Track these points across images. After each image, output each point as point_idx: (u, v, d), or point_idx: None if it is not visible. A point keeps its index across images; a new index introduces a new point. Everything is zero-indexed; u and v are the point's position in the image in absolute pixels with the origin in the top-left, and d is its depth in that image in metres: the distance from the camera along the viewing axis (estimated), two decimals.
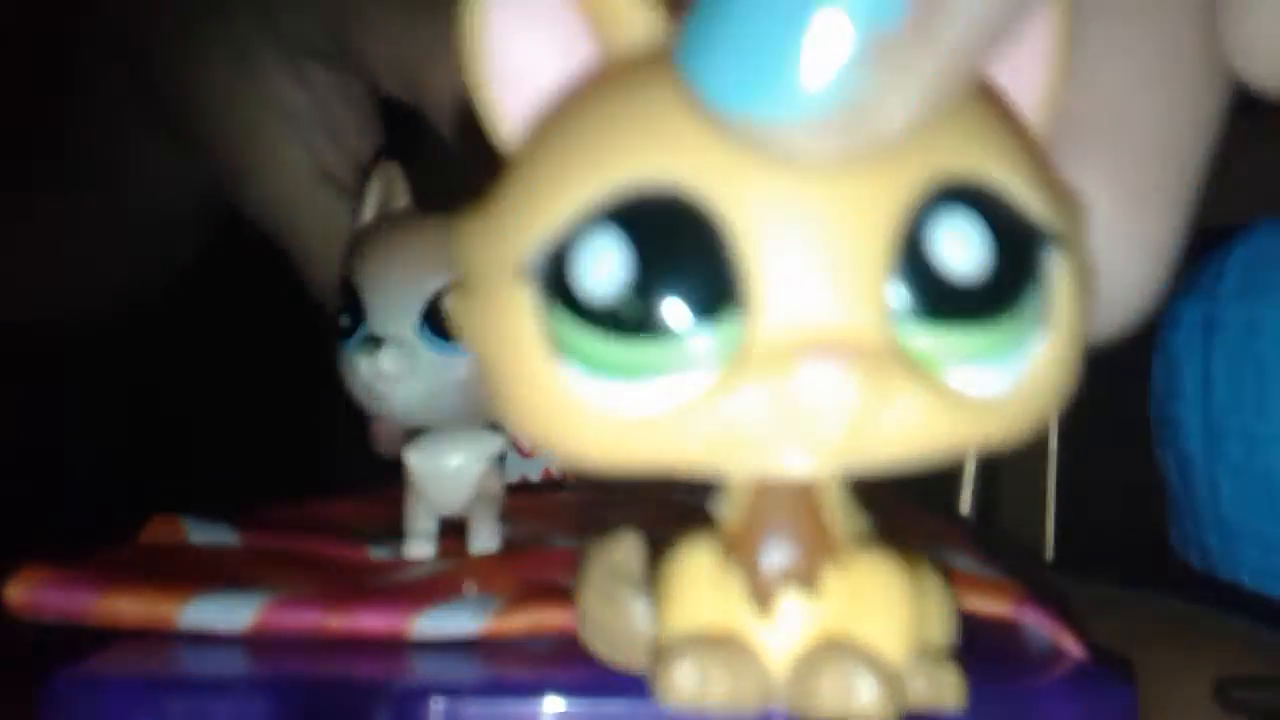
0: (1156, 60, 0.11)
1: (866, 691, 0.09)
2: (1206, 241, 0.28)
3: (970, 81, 0.09)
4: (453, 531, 0.22)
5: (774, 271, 0.08)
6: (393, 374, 0.20)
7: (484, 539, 0.22)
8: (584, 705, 0.15)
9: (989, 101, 0.10)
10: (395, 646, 0.17)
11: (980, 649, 0.17)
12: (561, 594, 0.18)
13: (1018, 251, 0.09)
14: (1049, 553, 0.27)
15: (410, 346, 0.20)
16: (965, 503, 0.27)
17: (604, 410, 0.09)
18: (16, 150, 0.34)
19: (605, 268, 0.09)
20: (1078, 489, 0.28)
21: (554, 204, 0.09)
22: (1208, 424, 0.27)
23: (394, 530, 0.23)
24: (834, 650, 0.10)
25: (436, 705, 0.15)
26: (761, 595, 0.10)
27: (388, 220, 0.22)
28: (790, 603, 0.10)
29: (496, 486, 0.22)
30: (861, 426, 0.08)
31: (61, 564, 0.17)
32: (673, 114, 0.09)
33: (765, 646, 0.10)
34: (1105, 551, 0.27)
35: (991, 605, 0.17)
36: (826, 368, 0.08)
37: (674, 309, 0.09)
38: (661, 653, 0.10)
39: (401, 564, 0.21)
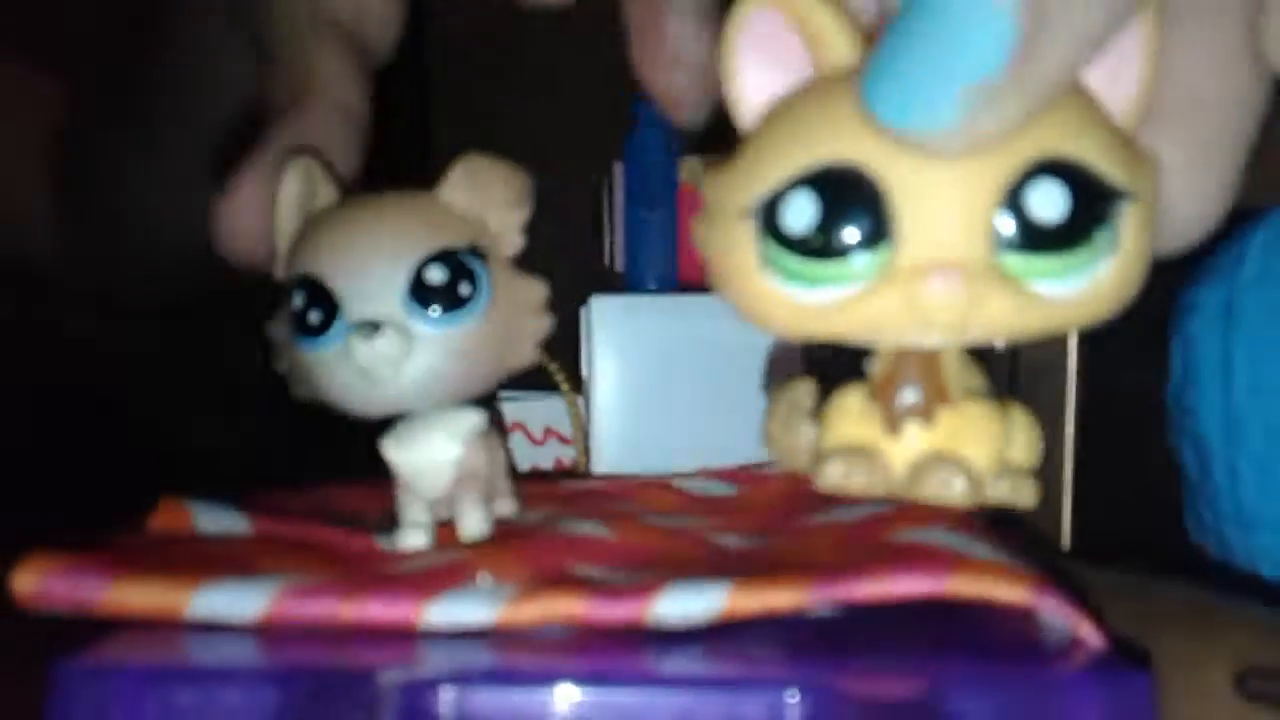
0: (1221, 53, 0.14)
1: (958, 486, 0.15)
2: (1226, 226, 0.28)
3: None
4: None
5: (911, 219, 0.13)
6: (394, 355, 0.19)
7: (472, 524, 0.21)
8: (594, 694, 0.15)
9: (1077, 91, 0.14)
10: (404, 635, 0.17)
11: (999, 637, 0.17)
12: (574, 583, 0.18)
13: (1090, 206, 0.13)
14: (1066, 541, 0.27)
15: (403, 325, 0.20)
16: None
17: (794, 303, 0.14)
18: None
19: (802, 214, 0.14)
20: (1095, 477, 0.27)
21: (771, 170, 0.14)
22: (1227, 411, 0.27)
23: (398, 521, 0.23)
24: (939, 460, 0.15)
25: (446, 694, 0.15)
26: (893, 423, 0.15)
27: (328, 212, 0.21)
28: (912, 429, 0.15)
29: (482, 465, 0.22)
30: (964, 318, 0.13)
31: (68, 552, 0.16)
32: (851, 115, 0.13)
33: (893, 457, 0.15)
34: (1122, 540, 0.26)
35: (1010, 593, 0.17)
36: (940, 281, 0.13)
37: (844, 241, 0.13)
38: (820, 457, 0.15)
39: (411, 554, 0.21)
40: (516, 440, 0.33)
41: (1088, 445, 0.27)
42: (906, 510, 0.21)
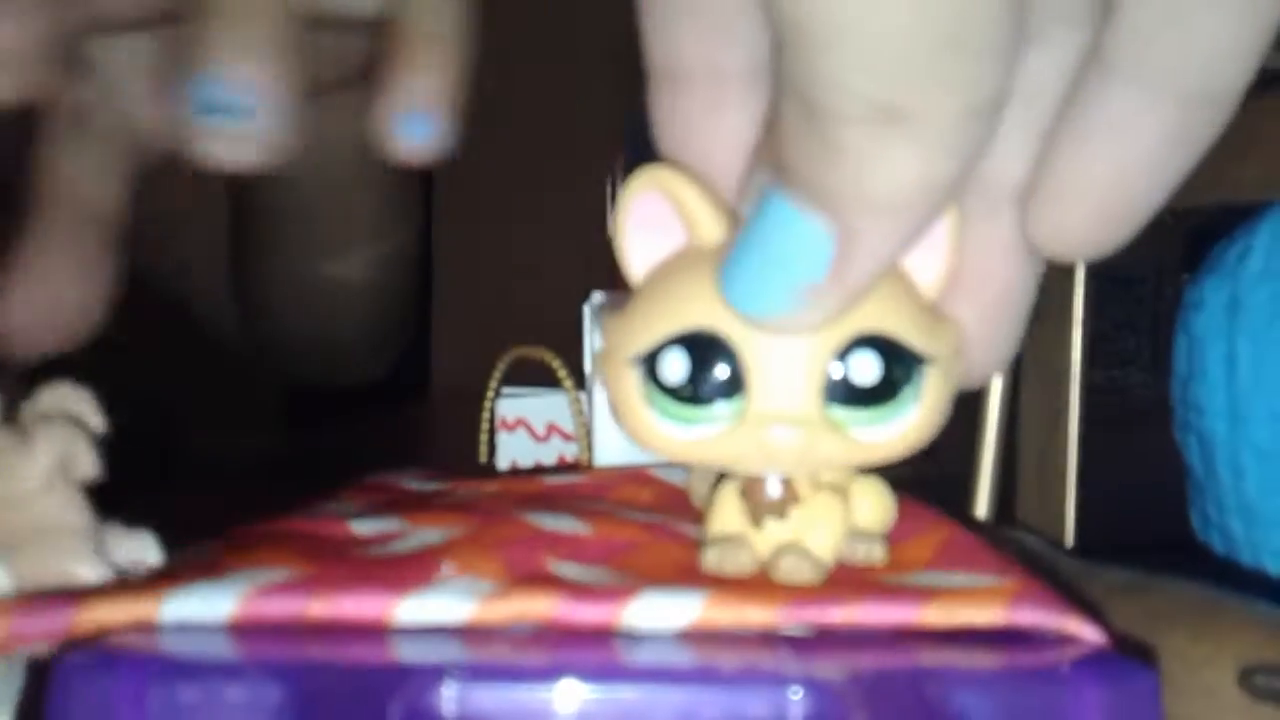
0: (999, 242, 0.17)
1: (805, 570, 0.18)
2: (1230, 221, 0.27)
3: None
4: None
5: (758, 378, 0.17)
6: None
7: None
8: (597, 690, 0.15)
9: (892, 273, 0.17)
10: (407, 629, 0.17)
11: (1004, 633, 0.17)
12: (549, 581, 0.18)
13: (897, 369, 0.17)
14: (1070, 539, 0.27)
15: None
16: (984, 487, 0.27)
17: (670, 437, 0.18)
18: None
19: (674, 368, 0.17)
20: (1099, 474, 0.27)
21: (650, 330, 0.17)
22: (1232, 406, 0.27)
23: (378, 509, 0.23)
24: (790, 548, 0.18)
25: (449, 690, 0.15)
26: (756, 518, 0.19)
27: None
28: (772, 522, 0.19)
29: None
30: (800, 457, 0.17)
31: (33, 596, 0.16)
32: (714, 289, 0.16)
33: (758, 543, 0.19)
34: (1126, 538, 0.26)
35: (985, 615, 0.17)
36: (780, 431, 0.17)
37: (707, 391, 0.17)
38: (702, 543, 0.19)
39: (384, 538, 0.21)
40: (519, 437, 0.33)
41: (1091, 443, 0.27)
42: (890, 554, 0.21)
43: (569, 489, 0.26)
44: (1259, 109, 0.24)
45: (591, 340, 0.30)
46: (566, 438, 0.32)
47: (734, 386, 0.17)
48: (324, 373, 0.47)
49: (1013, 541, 0.26)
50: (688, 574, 0.19)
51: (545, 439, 0.31)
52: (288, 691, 0.15)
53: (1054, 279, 0.26)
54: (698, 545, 0.21)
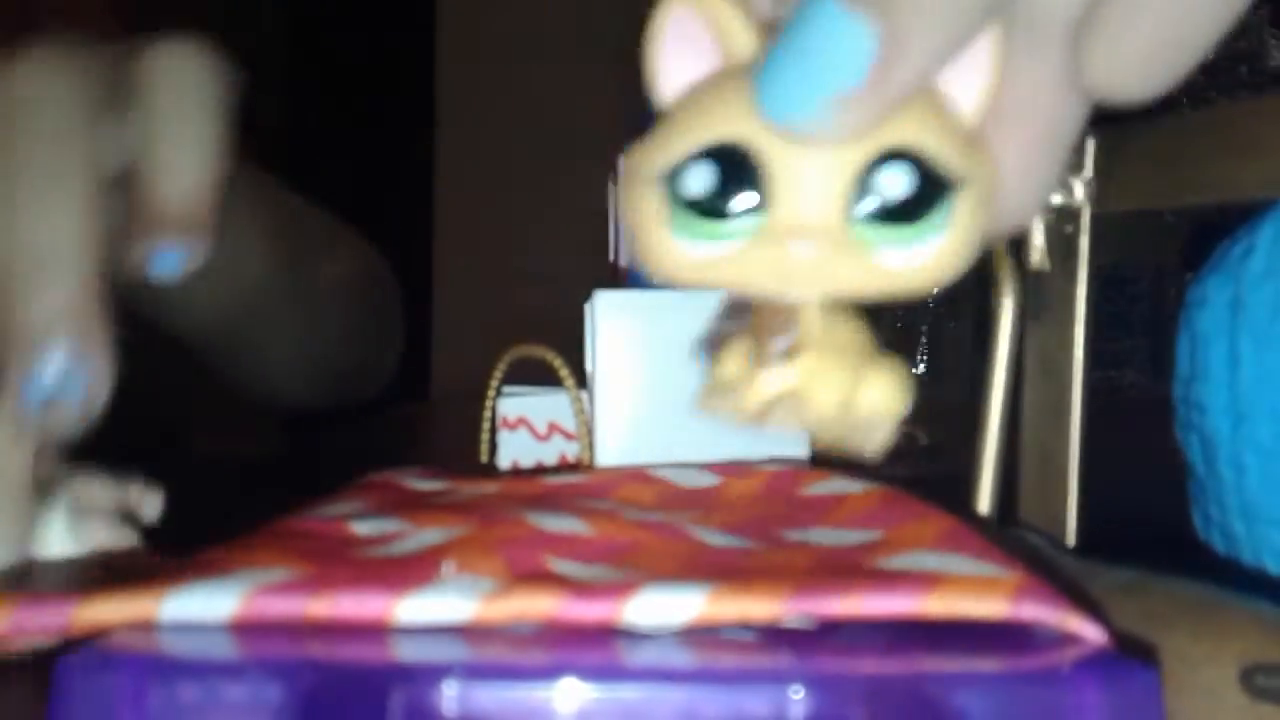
0: (1045, 75, 0.17)
1: (795, 414, 0.18)
2: (1233, 220, 0.27)
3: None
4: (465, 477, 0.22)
5: (782, 191, 0.16)
6: None
7: None
8: (598, 689, 0.15)
9: (929, 91, 0.16)
10: (408, 628, 0.17)
11: (1006, 632, 0.17)
12: (550, 579, 0.18)
13: (929, 188, 0.16)
14: (1071, 538, 0.27)
15: None
16: (985, 484, 0.27)
17: (686, 257, 0.17)
18: None
19: (698, 180, 0.16)
20: (1100, 473, 0.27)
21: (677, 144, 0.17)
22: (1234, 405, 0.27)
23: (379, 509, 0.23)
24: (790, 397, 0.18)
25: (450, 689, 0.15)
26: (765, 358, 0.18)
27: None
28: (780, 362, 0.18)
29: None
30: (817, 277, 0.17)
31: (34, 592, 0.16)
32: (744, 103, 0.16)
33: (763, 387, 0.18)
34: (1128, 537, 0.26)
35: (988, 607, 0.17)
36: (798, 245, 0.16)
37: (729, 203, 0.16)
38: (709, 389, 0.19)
39: (385, 538, 0.21)
40: (521, 435, 0.33)
41: (1093, 442, 0.27)
42: (889, 538, 0.21)
43: (570, 488, 0.26)
44: (1260, 109, 0.24)
45: (593, 339, 0.30)
46: (568, 436, 0.32)
47: (758, 200, 0.16)
48: (315, 402, 0.47)
49: (1014, 540, 0.26)
50: (690, 571, 0.19)
51: (546, 438, 0.31)
52: (288, 690, 0.15)
53: (1055, 276, 0.26)
54: (700, 543, 0.21)
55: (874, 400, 0.18)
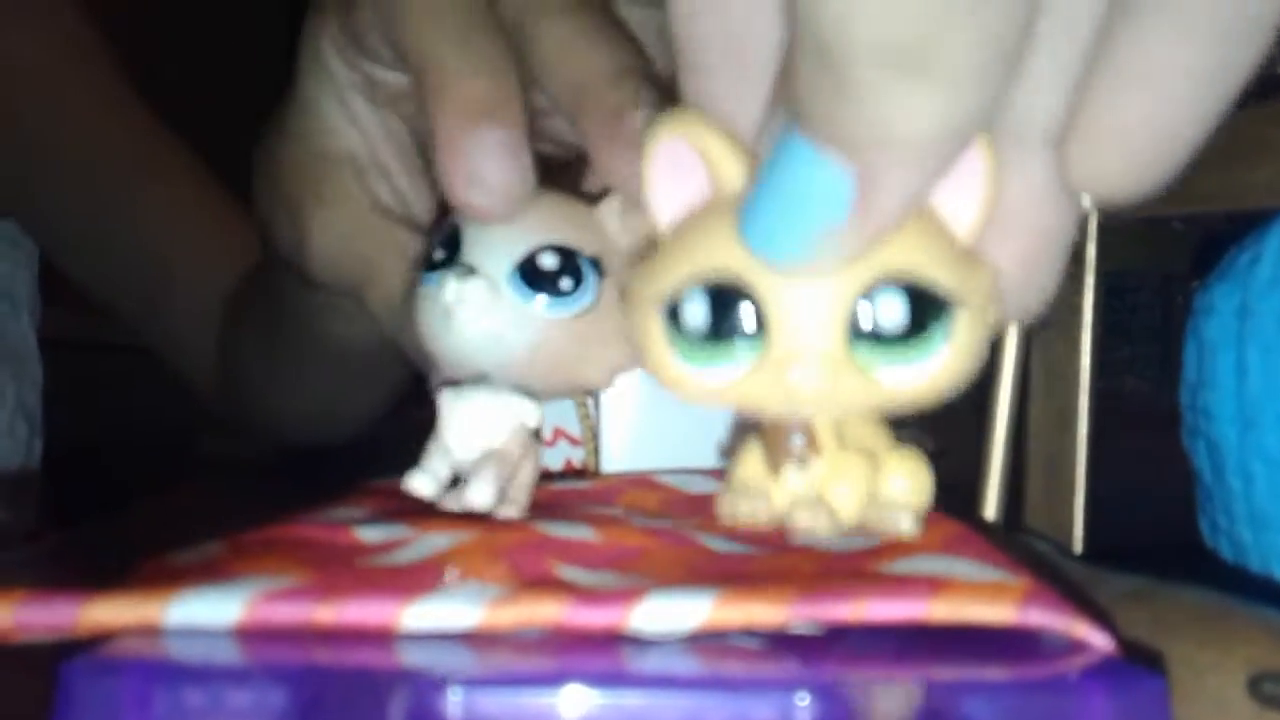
0: (1037, 183, 0.17)
1: (821, 521, 0.18)
2: (1240, 227, 0.27)
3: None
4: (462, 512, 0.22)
5: (779, 321, 0.17)
6: (474, 302, 0.21)
7: (479, 492, 0.22)
8: (604, 697, 0.15)
9: (923, 212, 0.16)
10: (413, 635, 0.17)
11: (1012, 639, 0.17)
12: (556, 585, 0.18)
13: (925, 311, 0.16)
14: (1078, 545, 0.27)
15: (496, 283, 0.21)
16: (992, 490, 0.27)
17: (693, 380, 0.17)
18: None
19: (696, 311, 0.17)
20: (1107, 480, 0.27)
21: (674, 274, 0.17)
22: (1242, 413, 0.26)
23: (384, 515, 0.23)
24: (809, 500, 0.18)
25: (454, 695, 0.15)
26: (776, 467, 0.18)
27: None
28: (792, 472, 0.18)
29: (516, 452, 0.22)
30: (821, 399, 0.17)
31: (42, 587, 0.16)
32: (735, 236, 0.16)
33: (777, 495, 0.19)
34: (1135, 544, 0.26)
35: (994, 613, 0.17)
36: (799, 371, 0.17)
37: (727, 334, 0.17)
38: (726, 493, 0.19)
39: (391, 544, 0.21)
40: None
41: (1100, 449, 0.27)
42: (892, 544, 0.21)
43: (576, 494, 0.26)
44: (1267, 115, 0.24)
45: None
46: (574, 442, 0.32)
47: (756, 329, 0.17)
48: (316, 439, 0.48)
49: (1021, 546, 0.26)
50: (697, 577, 0.19)
51: (552, 443, 0.31)
52: (293, 696, 0.15)
53: (1062, 284, 0.26)
54: (707, 550, 0.21)
55: (896, 490, 0.19)
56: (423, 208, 0.28)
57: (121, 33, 0.51)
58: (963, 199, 0.17)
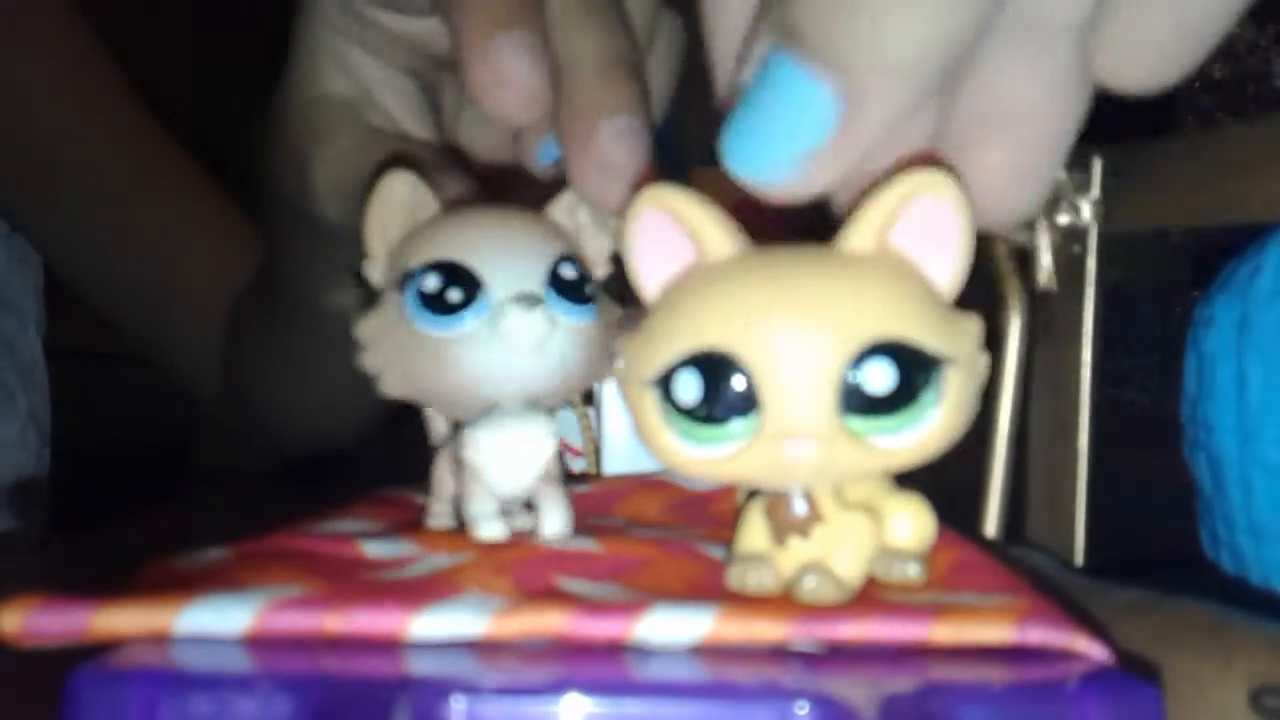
0: (1050, 69, 0.16)
1: (826, 590, 0.18)
2: (1241, 238, 0.27)
3: (892, 264, 0.17)
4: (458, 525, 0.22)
5: (771, 395, 0.17)
6: (545, 331, 0.20)
7: (557, 521, 0.22)
8: (605, 705, 0.15)
9: (905, 274, 0.17)
10: (419, 644, 0.17)
11: (1009, 650, 0.17)
12: (560, 597, 0.18)
13: (914, 374, 0.16)
14: (1079, 557, 0.27)
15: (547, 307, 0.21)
16: (993, 504, 0.27)
17: (689, 456, 0.17)
18: None
19: (688, 389, 0.17)
20: (1108, 493, 0.27)
21: (662, 353, 0.17)
22: (1242, 424, 0.27)
23: (390, 530, 0.23)
24: (812, 567, 0.18)
25: (458, 704, 0.15)
26: (779, 536, 0.18)
27: (444, 214, 0.22)
28: (796, 541, 0.18)
29: (557, 469, 0.22)
30: (818, 471, 0.17)
31: (53, 593, 0.17)
32: (723, 307, 0.17)
33: (783, 563, 0.19)
34: (1135, 557, 0.26)
35: (994, 634, 0.17)
36: (793, 447, 0.17)
37: (721, 411, 0.17)
38: (729, 560, 0.19)
39: (398, 561, 0.21)
40: None
41: (1100, 461, 0.27)
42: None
43: (579, 500, 0.26)
44: (1269, 129, 0.24)
45: None
46: (575, 453, 0.32)
47: (749, 404, 0.17)
48: (317, 447, 0.48)
49: (1021, 559, 0.26)
50: (699, 590, 0.19)
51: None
52: (299, 705, 0.15)
53: (1063, 296, 0.26)
54: (710, 561, 0.21)
55: (901, 538, 0.19)
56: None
57: (123, 39, 0.51)
58: (943, 257, 0.17)
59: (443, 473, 0.23)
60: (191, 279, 0.48)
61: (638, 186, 0.20)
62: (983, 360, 0.17)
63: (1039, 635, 0.17)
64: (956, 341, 0.17)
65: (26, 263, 0.51)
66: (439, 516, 0.23)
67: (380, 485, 0.27)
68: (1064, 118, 0.17)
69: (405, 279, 0.21)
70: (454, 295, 0.20)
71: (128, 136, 0.48)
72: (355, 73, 0.27)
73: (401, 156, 0.25)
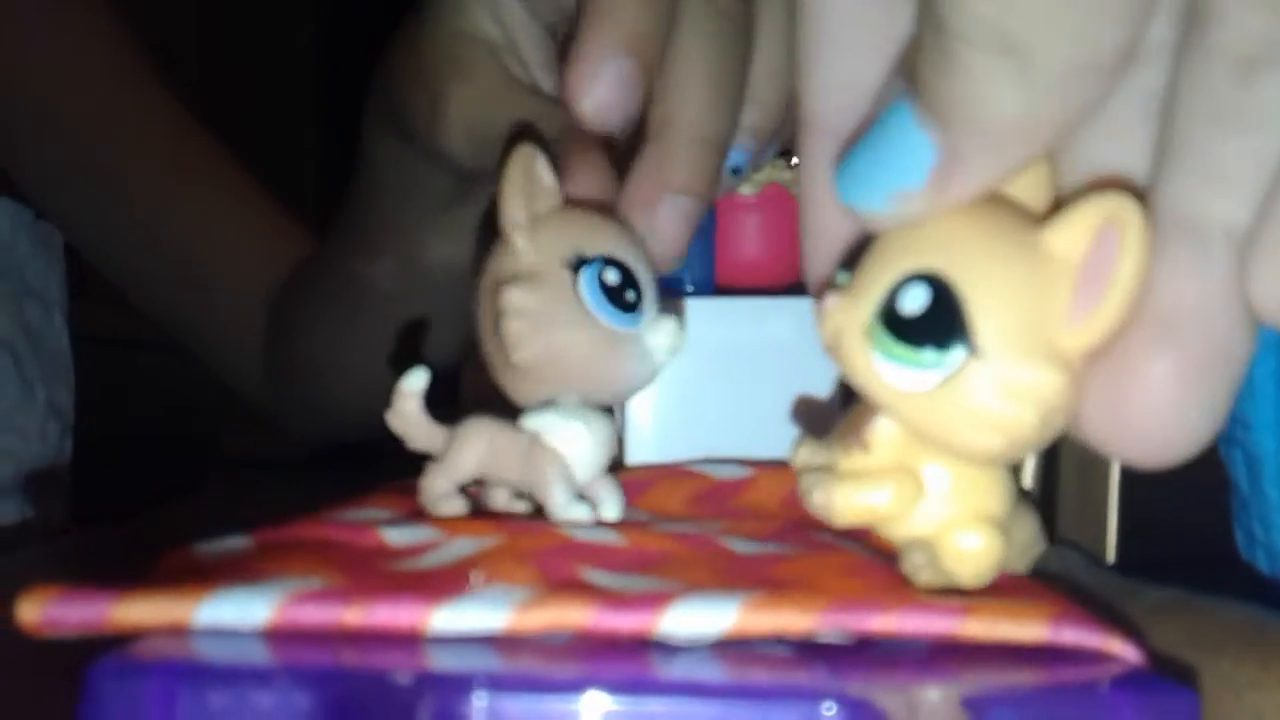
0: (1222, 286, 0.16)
1: (818, 493, 0.18)
2: None
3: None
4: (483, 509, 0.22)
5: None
6: (679, 345, 0.23)
7: (615, 505, 0.23)
8: (628, 704, 0.15)
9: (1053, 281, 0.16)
10: (440, 638, 0.16)
11: (1040, 651, 0.17)
12: (583, 589, 0.18)
13: (936, 327, 0.16)
14: (1111, 555, 0.26)
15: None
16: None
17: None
18: None
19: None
20: (1141, 489, 0.27)
21: (872, 293, 0.17)
22: (1279, 422, 0.26)
23: (411, 517, 0.23)
24: (832, 479, 0.18)
25: (480, 701, 0.14)
26: (845, 447, 0.18)
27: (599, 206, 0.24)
28: (851, 450, 0.18)
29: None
30: (834, 339, 0.18)
31: (73, 583, 0.17)
32: (936, 228, 0.17)
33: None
34: (1170, 555, 0.26)
35: (1026, 632, 0.17)
36: (832, 300, 0.18)
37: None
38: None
39: (418, 549, 0.21)
40: None
41: None
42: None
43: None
44: None
45: None
46: None
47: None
48: (355, 432, 0.48)
49: (1053, 559, 0.26)
50: (723, 580, 0.19)
51: None
52: (319, 698, 0.15)
53: None
54: (731, 554, 0.21)
55: (950, 561, 0.18)
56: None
57: (160, 30, 0.52)
58: (1093, 278, 0.16)
59: (465, 456, 0.23)
60: (231, 262, 0.48)
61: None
62: (1055, 417, 0.16)
63: (1072, 635, 0.17)
64: (1011, 349, 0.16)
65: (51, 250, 0.52)
66: (450, 498, 0.23)
67: (401, 476, 0.27)
68: (1234, 338, 0.15)
69: (580, 264, 0.22)
70: (630, 295, 0.22)
71: (160, 120, 0.49)
72: (501, 15, 0.28)
73: (536, 129, 0.26)
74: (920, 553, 0.18)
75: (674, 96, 0.25)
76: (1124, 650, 0.16)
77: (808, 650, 0.17)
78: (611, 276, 0.22)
